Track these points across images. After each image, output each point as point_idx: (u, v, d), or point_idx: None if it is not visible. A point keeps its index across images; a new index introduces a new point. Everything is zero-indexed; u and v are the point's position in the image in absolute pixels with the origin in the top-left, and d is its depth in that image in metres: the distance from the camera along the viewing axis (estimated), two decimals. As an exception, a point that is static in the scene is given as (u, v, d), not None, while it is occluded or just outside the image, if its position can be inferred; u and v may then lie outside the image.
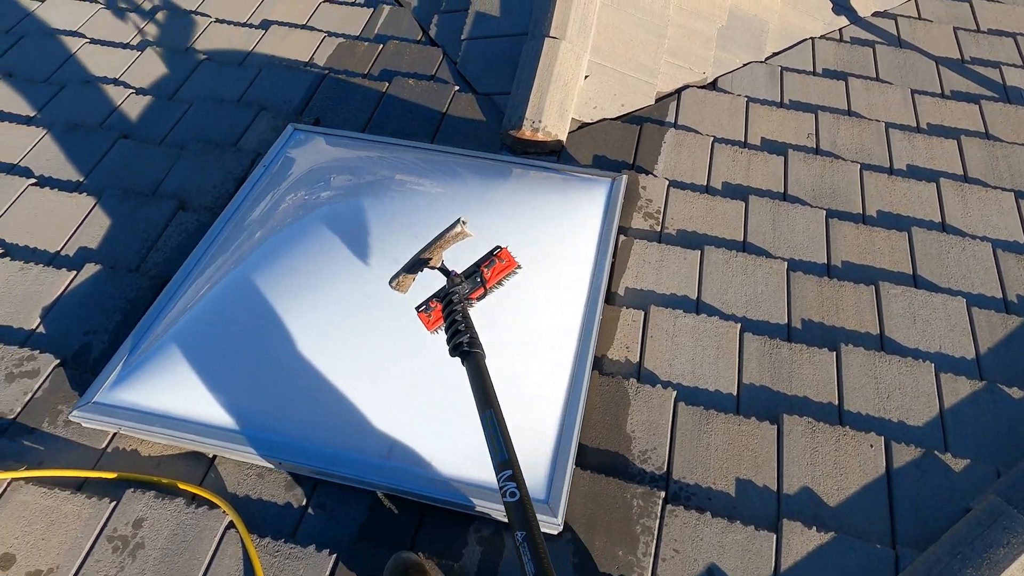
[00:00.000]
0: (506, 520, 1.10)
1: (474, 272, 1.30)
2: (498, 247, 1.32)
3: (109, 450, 1.27)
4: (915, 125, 2.04)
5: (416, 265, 1.34)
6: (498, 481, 1.00)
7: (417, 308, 1.32)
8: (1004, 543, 1.11)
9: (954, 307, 1.53)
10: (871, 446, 1.27)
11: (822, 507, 1.21)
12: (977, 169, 1.90)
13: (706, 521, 1.17)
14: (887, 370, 1.40)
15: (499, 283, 1.31)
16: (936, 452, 1.27)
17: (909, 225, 1.71)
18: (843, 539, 1.15)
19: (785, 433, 1.29)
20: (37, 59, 2.19)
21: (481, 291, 1.30)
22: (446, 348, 1.21)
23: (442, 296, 1.28)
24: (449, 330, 1.22)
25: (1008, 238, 1.72)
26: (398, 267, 1.36)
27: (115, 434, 1.28)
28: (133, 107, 2.04)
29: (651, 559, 1.13)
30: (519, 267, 1.31)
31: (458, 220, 1.29)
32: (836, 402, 1.36)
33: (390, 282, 1.36)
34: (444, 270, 1.33)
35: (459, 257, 1.33)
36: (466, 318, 1.22)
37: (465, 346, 1.17)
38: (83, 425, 1.27)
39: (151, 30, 2.32)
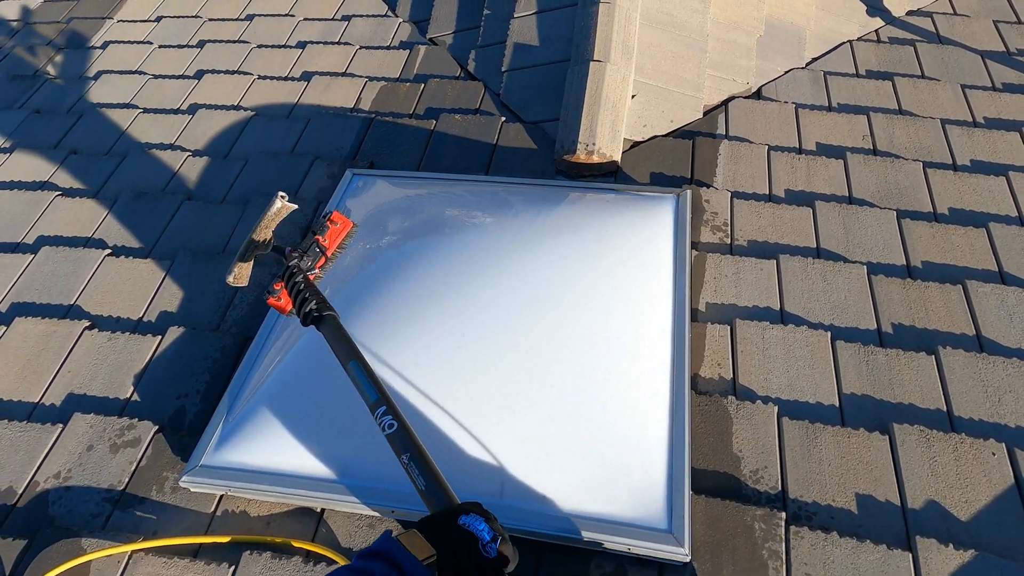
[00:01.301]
0: (640, 556, 1.10)
1: (311, 244, 1.30)
2: (327, 212, 1.34)
3: (219, 513, 1.27)
4: (971, 120, 2.01)
5: (247, 252, 1.33)
6: (375, 418, 1.07)
7: (264, 297, 1.31)
8: None
9: (1049, 301, 1.49)
10: (993, 454, 1.22)
11: (953, 522, 1.16)
12: (1047, 160, 1.86)
13: (834, 541, 1.13)
14: (993, 372, 1.36)
15: (340, 247, 1.31)
16: (1062, 454, 1.23)
17: (985, 221, 1.68)
18: (987, 558, 1.10)
19: (899, 443, 1.25)
20: (98, 134, 2.26)
21: (323, 260, 1.30)
22: (301, 320, 1.22)
23: (283, 275, 1.27)
24: (296, 303, 1.23)
25: (1091, 227, 1.67)
26: (484, 311, 1.36)
27: (222, 496, 1.29)
28: (192, 169, 2.09)
29: (785, 585, 1.10)
30: (356, 225, 1.33)
31: (276, 195, 1.28)
32: (944, 408, 1.32)
33: (226, 277, 1.35)
34: (278, 250, 1.32)
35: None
36: (309, 286, 1.23)
37: (315, 312, 1.20)
38: (191, 490, 1.28)
39: (198, 95, 2.39)
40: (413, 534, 0.90)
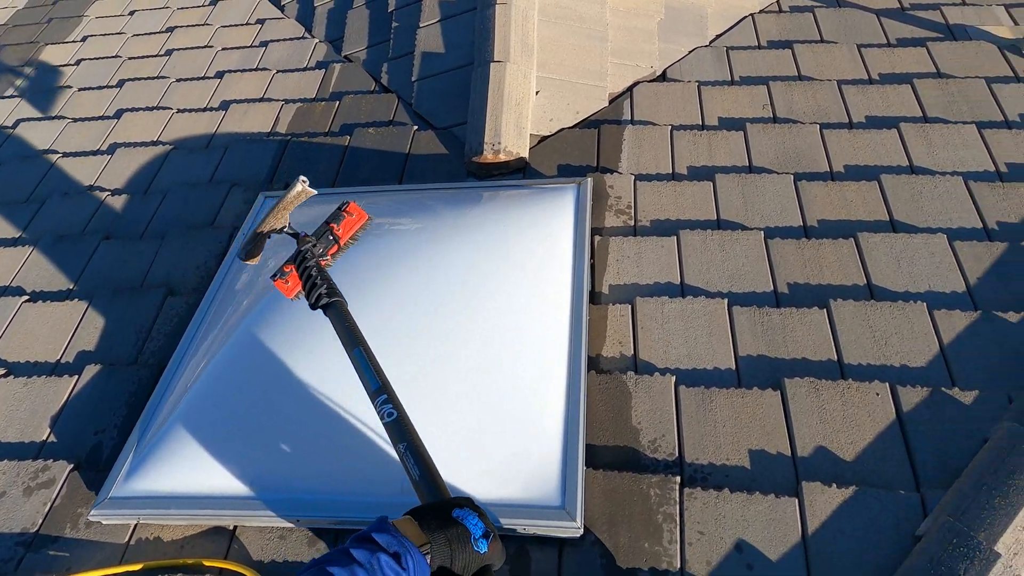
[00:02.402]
0: (539, 535, 1.13)
1: (325, 231, 1.32)
2: (345, 202, 1.35)
3: (132, 542, 1.28)
4: (867, 77, 2.06)
5: (263, 233, 1.35)
6: (375, 406, 1.08)
7: (272, 277, 1.32)
8: (1027, 465, 1.09)
9: (936, 244, 1.53)
10: (877, 394, 1.26)
11: (839, 463, 1.20)
12: (935, 108, 1.91)
13: (725, 498, 1.16)
14: (880, 317, 1.40)
15: (352, 237, 1.33)
16: (943, 388, 1.26)
17: (877, 174, 1.72)
18: (866, 491, 1.14)
19: (790, 397, 1.29)
20: (17, 182, 2.27)
21: (336, 248, 1.31)
22: (308, 305, 1.24)
23: (295, 259, 1.29)
24: (306, 286, 1.24)
25: (978, 168, 1.72)
26: (392, 308, 1.38)
27: (136, 525, 1.30)
28: (112, 208, 2.10)
29: (677, 546, 1.12)
30: (370, 218, 1.35)
31: (298, 178, 1.30)
32: (835, 358, 1.36)
33: (239, 254, 1.37)
34: (293, 233, 1.34)
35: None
36: (321, 272, 1.25)
37: (325, 297, 1.21)
38: (103, 523, 1.29)
39: (118, 134, 2.40)
40: (408, 520, 0.90)
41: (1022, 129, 1.80)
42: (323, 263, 1.31)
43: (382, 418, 1.07)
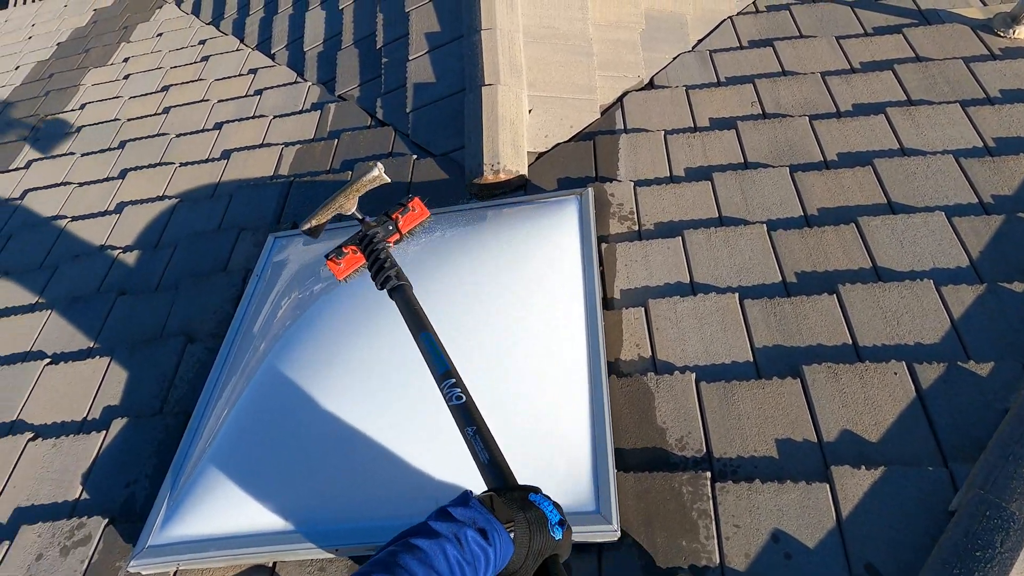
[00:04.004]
0: (577, 541, 1.11)
1: (387, 220, 1.33)
2: (410, 196, 1.38)
3: (174, 588, 1.29)
4: (849, 67, 2.10)
5: (330, 210, 1.35)
6: (442, 390, 1.09)
7: (327, 256, 1.33)
8: (1053, 429, 1.10)
9: (935, 222, 1.55)
10: (895, 374, 1.27)
11: (865, 445, 1.20)
12: (919, 91, 1.94)
13: (757, 489, 1.16)
14: (889, 298, 1.41)
15: (411, 231, 1.35)
16: (959, 363, 1.27)
17: (870, 159, 1.75)
18: (894, 470, 1.14)
19: (810, 384, 1.30)
20: (29, 250, 2.32)
21: (397, 236, 1.33)
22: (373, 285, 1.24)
23: (359, 239, 1.30)
24: (374, 267, 1.26)
25: (967, 145, 1.75)
26: (404, 335, 1.39)
27: (175, 572, 1.31)
28: (124, 264, 2.14)
29: (715, 541, 1.13)
30: (430, 216, 1.38)
31: (375, 164, 1.32)
32: (850, 341, 1.37)
33: (302, 226, 1.37)
34: (358, 216, 1.35)
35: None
36: (389, 256, 1.26)
37: (394, 280, 1.23)
38: (143, 573, 1.30)
39: (124, 193, 2.46)
40: (491, 498, 0.90)
41: (1004, 104, 1.83)
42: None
43: (449, 401, 1.07)
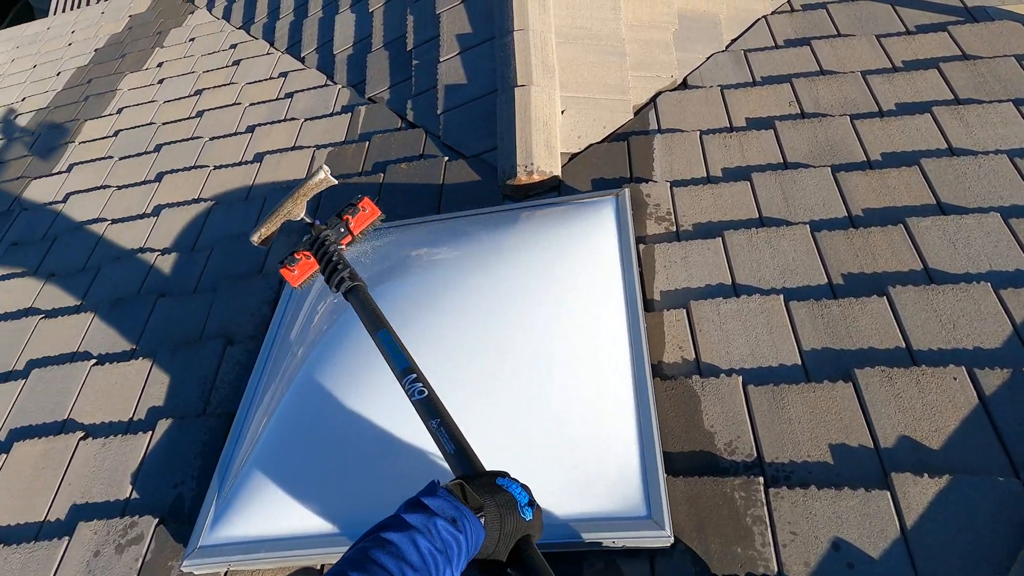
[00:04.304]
0: (628, 547, 1.14)
1: (338, 223, 1.32)
2: (360, 196, 1.37)
3: (224, 589, 1.30)
4: (891, 66, 2.06)
5: (278, 217, 1.34)
6: (404, 386, 1.10)
7: (279, 264, 1.32)
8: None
9: (990, 223, 1.52)
10: (954, 379, 1.24)
11: (927, 452, 1.17)
12: (967, 90, 1.90)
13: (813, 495, 1.14)
14: (944, 301, 1.38)
15: (363, 232, 1.34)
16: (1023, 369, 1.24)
17: (917, 159, 1.71)
18: (961, 480, 1.11)
19: (863, 387, 1.27)
20: (72, 253, 2.37)
21: (349, 238, 1.31)
22: (338, 292, 1.25)
23: (311, 244, 1.29)
24: (327, 270, 1.25)
25: (1021, 145, 1.70)
26: (449, 335, 1.39)
27: (226, 572, 1.32)
28: (163, 267, 2.17)
29: (771, 548, 1.11)
30: (382, 215, 1.36)
31: (320, 167, 1.31)
32: (903, 345, 1.34)
33: (251, 237, 1.36)
34: (307, 221, 1.34)
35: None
36: (342, 257, 1.25)
37: (348, 281, 1.22)
38: (195, 573, 1.31)
39: (160, 196, 2.49)
40: (459, 485, 0.91)
41: (1061, 102, 1.79)
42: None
43: (411, 396, 1.09)
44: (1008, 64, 1.92)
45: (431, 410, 1.07)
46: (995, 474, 1.12)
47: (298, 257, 1.33)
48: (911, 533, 1.07)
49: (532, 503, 0.93)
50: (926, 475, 1.12)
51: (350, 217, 1.34)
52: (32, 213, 2.66)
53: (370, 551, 0.80)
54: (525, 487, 0.96)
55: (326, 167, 1.33)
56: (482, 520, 0.87)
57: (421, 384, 1.10)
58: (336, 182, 1.35)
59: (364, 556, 0.79)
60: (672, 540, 1.12)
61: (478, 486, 0.92)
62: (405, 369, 1.12)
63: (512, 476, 0.96)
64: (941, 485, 1.11)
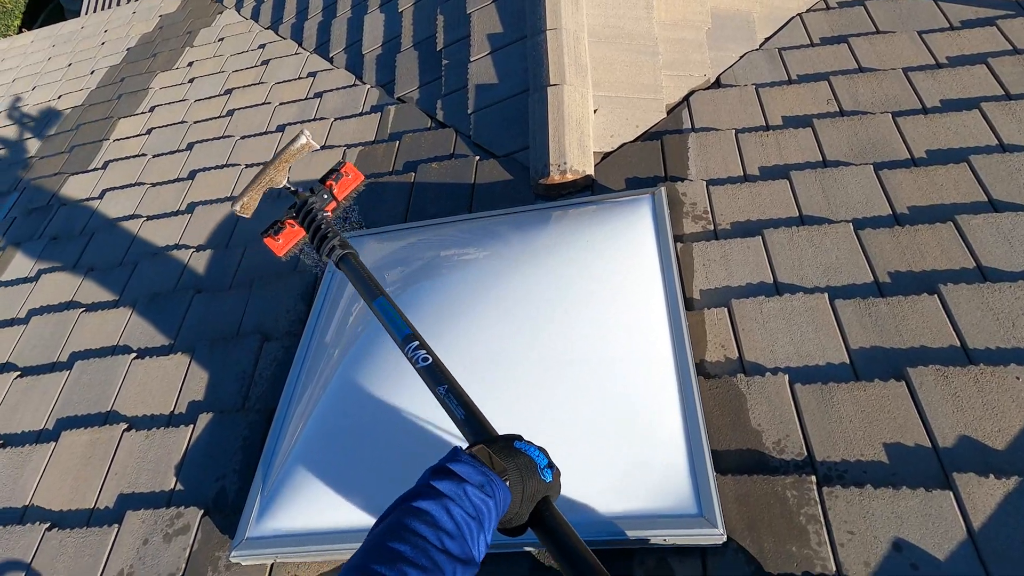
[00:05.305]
0: (679, 545, 1.13)
1: (321, 189, 1.29)
2: (341, 162, 1.34)
3: (271, 581, 1.31)
4: (934, 62, 2.03)
5: (260, 185, 1.31)
6: (406, 353, 1.08)
7: (262, 233, 1.28)
8: None
9: (1047, 220, 1.48)
10: (1017, 378, 1.21)
11: (989, 453, 1.15)
12: (1019, 85, 1.85)
13: (870, 494, 1.12)
14: (1001, 299, 1.35)
15: (347, 198, 1.31)
16: (1090, 367, 1.21)
17: (965, 155, 1.68)
18: (1032, 481, 1.08)
19: (916, 386, 1.25)
20: (110, 248, 2.40)
21: (333, 204, 1.28)
22: (325, 256, 1.22)
23: (298, 211, 1.25)
24: (316, 237, 1.22)
25: (1076, 138, 1.67)
26: (489, 335, 1.38)
27: (273, 564, 1.33)
28: (198, 264, 2.19)
29: (828, 547, 1.09)
30: (366, 177, 1.34)
31: (301, 132, 1.28)
32: (958, 344, 1.32)
33: (233, 206, 1.32)
34: (290, 189, 1.31)
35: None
36: (331, 225, 1.22)
37: (339, 248, 1.20)
38: (243, 564, 1.32)
39: (194, 193, 2.52)
40: (482, 450, 0.90)
41: (1120, 95, 1.74)
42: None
43: (415, 363, 1.07)
44: (1061, 57, 1.88)
45: (436, 377, 1.05)
46: (1063, 476, 1.10)
47: (283, 225, 1.29)
48: (979, 535, 1.05)
49: (551, 465, 0.94)
50: (992, 476, 1.10)
51: (333, 183, 1.31)
52: (70, 208, 2.70)
53: (405, 520, 0.79)
54: (542, 449, 0.96)
55: (307, 131, 1.30)
56: (507, 483, 0.88)
57: (424, 351, 1.08)
58: (317, 146, 1.31)
59: (400, 525, 0.79)
60: (725, 538, 1.11)
61: (498, 450, 0.92)
62: (407, 337, 1.10)
63: (526, 439, 0.96)
64: (1010, 487, 1.08)
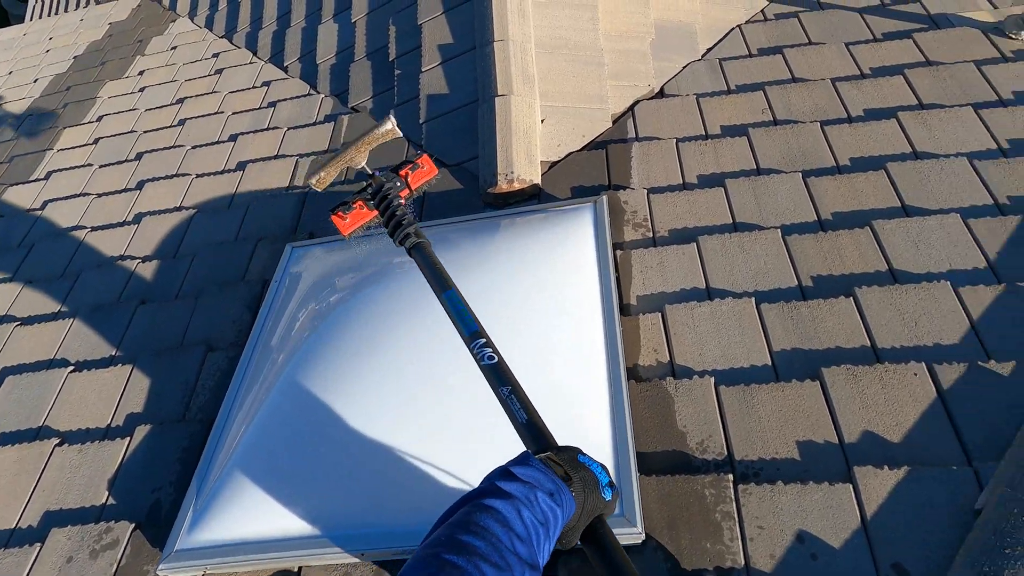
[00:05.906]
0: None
1: (395, 177, 1.30)
2: (419, 153, 1.37)
3: (201, 592, 1.30)
4: (859, 73, 2.12)
5: (339, 163, 1.31)
6: (472, 350, 1.06)
7: (331, 211, 1.28)
8: (1075, 427, 1.10)
9: (951, 224, 1.57)
10: (915, 375, 1.28)
11: (888, 446, 1.21)
12: (930, 95, 1.96)
13: (780, 490, 1.17)
14: (907, 300, 1.42)
15: (418, 189, 1.34)
16: (979, 362, 1.28)
17: (883, 163, 1.77)
18: (918, 470, 1.15)
19: (829, 386, 1.31)
20: (50, 260, 2.36)
21: (407, 192, 1.29)
22: (399, 246, 1.23)
23: (372, 194, 1.26)
24: (391, 223, 1.22)
25: (980, 148, 1.76)
26: (426, 341, 1.41)
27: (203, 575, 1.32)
28: (144, 274, 2.17)
29: (739, 542, 1.13)
30: (438, 173, 1.37)
31: (388, 117, 1.29)
32: (868, 344, 1.38)
33: (308, 178, 1.32)
34: (367, 171, 1.32)
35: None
36: (406, 212, 1.23)
37: (413, 237, 1.21)
38: (171, 576, 1.32)
39: (141, 204, 2.49)
40: (550, 457, 0.89)
41: (1017, 106, 1.85)
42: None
43: (480, 361, 1.04)
44: (967, 69, 1.98)
45: (501, 377, 1.01)
46: (951, 463, 1.16)
47: (353, 206, 1.28)
48: (871, 523, 1.11)
49: (612, 484, 0.92)
50: (886, 467, 1.16)
51: (409, 172, 1.31)
52: (8, 220, 2.65)
53: (476, 517, 0.78)
54: (603, 466, 0.94)
55: (393, 118, 1.29)
56: (573, 495, 0.86)
57: (491, 350, 1.04)
58: (401, 134, 1.31)
59: (472, 522, 0.77)
60: (643, 536, 1.14)
61: (564, 460, 0.90)
62: (474, 333, 1.07)
63: (587, 453, 0.94)
64: (900, 476, 1.14)
